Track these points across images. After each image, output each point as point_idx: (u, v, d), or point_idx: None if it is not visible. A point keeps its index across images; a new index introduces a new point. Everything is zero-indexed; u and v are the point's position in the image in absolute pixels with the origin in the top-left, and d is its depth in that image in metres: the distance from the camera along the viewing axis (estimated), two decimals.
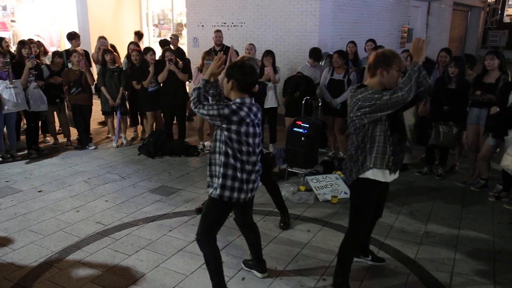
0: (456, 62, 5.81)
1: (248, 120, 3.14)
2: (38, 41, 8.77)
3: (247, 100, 3.19)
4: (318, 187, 5.64)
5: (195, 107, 3.17)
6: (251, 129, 3.18)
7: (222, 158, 3.19)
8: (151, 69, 7.23)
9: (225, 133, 3.14)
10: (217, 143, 3.21)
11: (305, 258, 4.15)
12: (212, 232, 3.38)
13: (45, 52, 8.60)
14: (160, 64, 7.28)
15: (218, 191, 3.22)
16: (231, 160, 3.18)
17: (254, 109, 3.23)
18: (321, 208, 5.27)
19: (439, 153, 6.36)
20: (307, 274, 3.88)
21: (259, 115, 3.29)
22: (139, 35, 9.53)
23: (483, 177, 5.85)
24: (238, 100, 3.16)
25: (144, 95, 7.44)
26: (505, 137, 5.14)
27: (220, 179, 3.20)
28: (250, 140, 3.19)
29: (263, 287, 3.70)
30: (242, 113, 3.11)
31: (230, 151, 3.16)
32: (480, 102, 5.72)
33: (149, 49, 7.42)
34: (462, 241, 4.51)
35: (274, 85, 7.01)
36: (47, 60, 7.98)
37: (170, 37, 9.74)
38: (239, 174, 3.21)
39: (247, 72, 3.21)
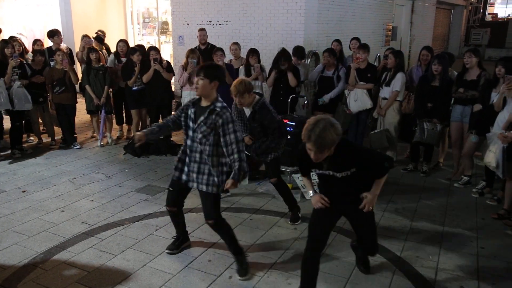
0: (439, 60, 5.88)
1: None
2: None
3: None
4: (304, 185, 5.64)
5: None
6: None
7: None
8: (136, 68, 7.17)
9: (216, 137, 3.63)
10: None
11: (292, 255, 4.17)
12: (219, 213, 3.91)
13: (26, 51, 8.46)
14: (144, 64, 7.22)
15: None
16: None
17: None
18: (307, 206, 5.28)
19: (424, 150, 6.44)
20: (294, 272, 3.88)
21: None
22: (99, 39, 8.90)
23: (467, 174, 5.93)
24: (220, 104, 3.60)
25: (129, 93, 7.39)
26: (487, 134, 5.19)
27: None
28: None
29: (250, 285, 3.71)
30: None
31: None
32: (464, 99, 5.80)
33: (135, 50, 7.33)
34: (447, 237, 4.57)
35: (261, 84, 7.01)
36: (30, 59, 7.87)
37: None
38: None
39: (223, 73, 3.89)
